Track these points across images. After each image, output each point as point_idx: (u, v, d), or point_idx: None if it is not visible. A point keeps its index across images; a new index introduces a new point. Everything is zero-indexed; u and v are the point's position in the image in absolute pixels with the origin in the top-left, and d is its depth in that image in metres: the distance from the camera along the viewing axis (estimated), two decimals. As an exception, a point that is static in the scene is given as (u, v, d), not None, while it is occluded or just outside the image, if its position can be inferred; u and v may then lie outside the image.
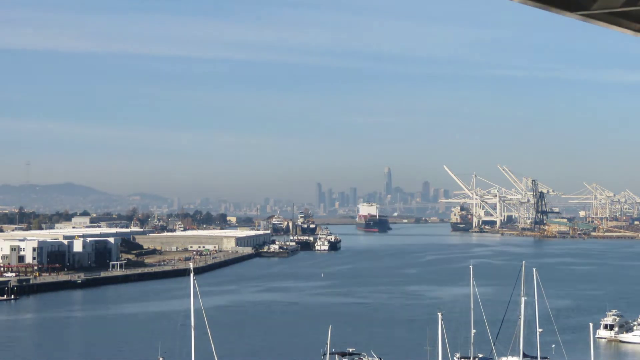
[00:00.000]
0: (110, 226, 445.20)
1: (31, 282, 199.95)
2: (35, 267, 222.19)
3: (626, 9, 16.91)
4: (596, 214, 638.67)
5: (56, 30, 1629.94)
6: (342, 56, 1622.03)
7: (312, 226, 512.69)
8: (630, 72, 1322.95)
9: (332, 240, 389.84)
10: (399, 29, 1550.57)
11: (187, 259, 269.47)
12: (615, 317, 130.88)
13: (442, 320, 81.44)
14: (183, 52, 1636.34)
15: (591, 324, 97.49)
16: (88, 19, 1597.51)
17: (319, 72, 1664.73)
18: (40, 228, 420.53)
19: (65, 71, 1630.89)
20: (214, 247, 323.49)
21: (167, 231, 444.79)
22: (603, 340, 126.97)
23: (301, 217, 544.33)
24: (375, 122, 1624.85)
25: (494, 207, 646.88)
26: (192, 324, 74.66)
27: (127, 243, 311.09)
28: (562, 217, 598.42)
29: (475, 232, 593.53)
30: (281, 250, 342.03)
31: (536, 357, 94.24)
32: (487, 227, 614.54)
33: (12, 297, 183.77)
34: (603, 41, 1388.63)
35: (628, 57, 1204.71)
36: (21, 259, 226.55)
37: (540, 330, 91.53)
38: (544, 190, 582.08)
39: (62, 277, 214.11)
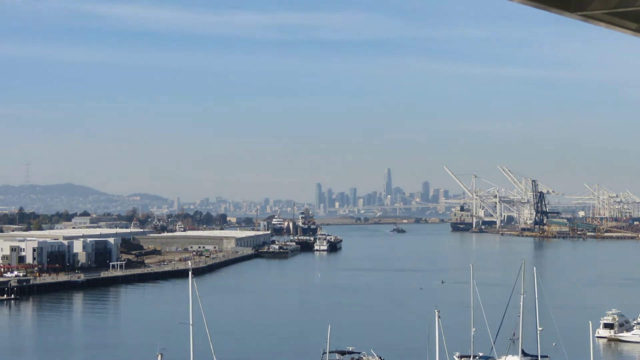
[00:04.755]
0: (110, 226, 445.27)
1: (31, 282, 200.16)
2: (36, 268, 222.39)
3: (624, 9, 17.17)
4: (598, 214, 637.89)
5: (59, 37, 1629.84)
6: (337, 56, 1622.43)
7: (312, 227, 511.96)
8: (630, 72, 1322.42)
9: (332, 240, 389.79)
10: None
11: (186, 259, 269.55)
12: (615, 316, 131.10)
13: (439, 317, 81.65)
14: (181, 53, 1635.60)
15: (591, 323, 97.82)
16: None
17: (319, 73, 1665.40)
18: (41, 228, 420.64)
19: (65, 71, 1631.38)
20: (214, 247, 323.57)
21: (167, 231, 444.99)
22: (603, 339, 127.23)
23: (302, 217, 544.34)
24: (374, 121, 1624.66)
25: (494, 207, 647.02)
26: (191, 321, 75.65)
27: (127, 243, 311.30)
28: (562, 218, 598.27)
29: (475, 232, 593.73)
30: (281, 251, 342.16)
31: (536, 356, 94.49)
32: (486, 227, 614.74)
33: (12, 297, 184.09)
34: (599, 43, 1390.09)
35: (628, 58, 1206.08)
36: (21, 259, 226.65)
37: (541, 328, 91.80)
38: (544, 191, 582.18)
39: (62, 277, 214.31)
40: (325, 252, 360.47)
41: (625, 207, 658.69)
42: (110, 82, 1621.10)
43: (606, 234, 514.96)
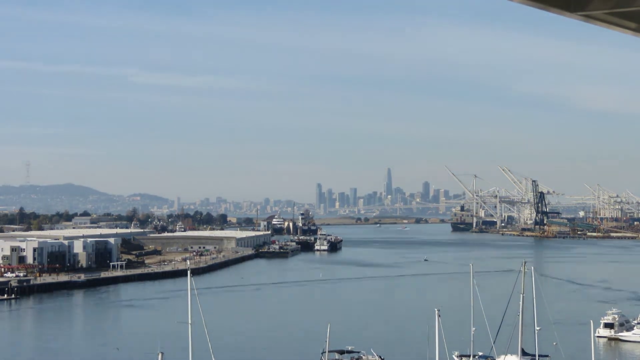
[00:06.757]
0: (110, 227, 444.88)
1: (31, 282, 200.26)
2: (36, 268, 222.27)
3: (624, 9, 17.24)
4: (598, 214, 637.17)
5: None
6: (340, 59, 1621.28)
7: (312, 227, 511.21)
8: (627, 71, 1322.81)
9: (333, 240, 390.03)
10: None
11: (185, 259, 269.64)
12: (616, 315, 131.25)
13: (439, 317, 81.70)
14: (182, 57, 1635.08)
15: (592, 322, 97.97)
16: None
17: (317, 74, 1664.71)
18: (41, 229, 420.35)
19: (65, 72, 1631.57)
20: (214, 247, 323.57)
21: (168, 232, 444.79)
22: (603, 338, 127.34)
23: (302, 217, 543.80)
24: (376, 121, 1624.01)
25: (494, 207, 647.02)
26: (189, 321, 75.99)
27: (128, 244, 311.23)
28: (562, 218, 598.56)
29: (475, 232, 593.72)
30: (281, 251, 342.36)
31: (536, 356, 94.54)
32: (487, 227, 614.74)
33: (13, 297, 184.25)
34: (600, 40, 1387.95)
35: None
36: (22, 259, 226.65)
37: (539, 328, 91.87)
38: (544, 191, 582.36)
39: (63, 277, 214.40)
40: (325, 252, 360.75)
41: (626, 207, 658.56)
42: (109, 82, 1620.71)
43: (606, 234, 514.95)
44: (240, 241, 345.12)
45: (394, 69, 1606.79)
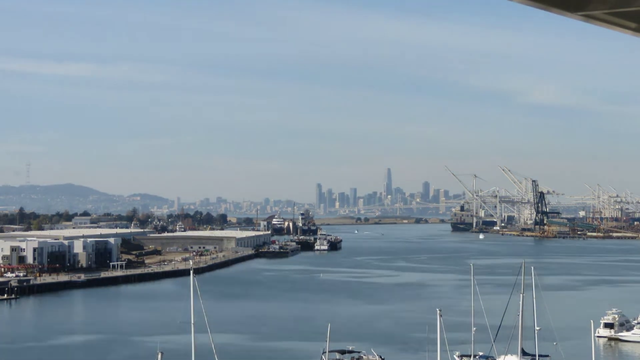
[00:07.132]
0: (110, 227, 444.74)
1: (31, 282, 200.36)
2: (36, 268, 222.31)
3: (624, 9, 17.26)
4: (599, 214, 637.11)
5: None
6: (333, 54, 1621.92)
7: (312, 227, 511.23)
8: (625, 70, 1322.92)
9: (333, 240, 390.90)
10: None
11: (185, 259, 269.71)
12: (616, 315, 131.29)
13: (441, 317, 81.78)
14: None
15: (592, 322, 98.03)
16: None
17: (319, 73, 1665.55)
18: (41, 229, 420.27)
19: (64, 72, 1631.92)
20: (215, 247, 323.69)
21: (168, 232, 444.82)
22: (603, 338, 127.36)
23: (302, 217, 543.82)
24: (376, 122, 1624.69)
25: (494, 207, 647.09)
26: (192, 320, 75.98)
27: (127, 244, 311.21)
28: (562, 218, 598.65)
29: (475, 232, 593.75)
30: (281, 251, 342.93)
31: (536, 356, 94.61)
32: (487, 227, 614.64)
33: (13, 296, 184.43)
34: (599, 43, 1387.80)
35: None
36: (22, 259, 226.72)
37: (538, 328, 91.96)
38: (545, 191, 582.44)
39: (63, 277, 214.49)
40: (325, 252, 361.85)
41: (626, 207, 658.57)
42: (109, 82, 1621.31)
43: (607, 234, 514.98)
44: (240, 241, 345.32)
45: (393, 69, 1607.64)
